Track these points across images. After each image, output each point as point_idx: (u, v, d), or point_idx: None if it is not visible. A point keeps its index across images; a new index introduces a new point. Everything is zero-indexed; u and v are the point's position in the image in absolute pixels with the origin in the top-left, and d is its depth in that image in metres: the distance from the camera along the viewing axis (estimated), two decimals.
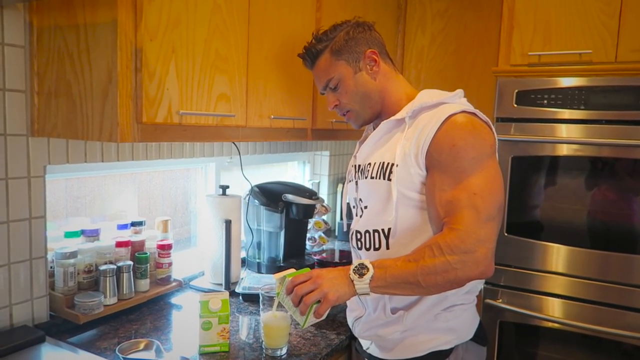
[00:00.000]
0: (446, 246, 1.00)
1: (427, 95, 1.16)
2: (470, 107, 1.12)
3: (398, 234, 1.12)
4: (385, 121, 1.18)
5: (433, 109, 1.11)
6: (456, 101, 1.14)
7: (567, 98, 1.80)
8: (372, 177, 1.17)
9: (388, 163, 1.13)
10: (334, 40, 1.23)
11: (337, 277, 1.04)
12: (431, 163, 1.08)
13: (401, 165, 1.10)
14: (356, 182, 1.24)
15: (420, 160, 1.09)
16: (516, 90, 1.88)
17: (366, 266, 1.03)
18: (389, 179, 1.12)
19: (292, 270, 1.15)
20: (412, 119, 1.13)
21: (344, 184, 1.45)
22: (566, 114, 1.81)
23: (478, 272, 1.02)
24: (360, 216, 1.22)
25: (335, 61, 1.22)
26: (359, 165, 1.24)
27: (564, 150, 1.83)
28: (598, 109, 1.76)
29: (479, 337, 1.19)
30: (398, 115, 1.16)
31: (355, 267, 1.04)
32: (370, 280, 1.02)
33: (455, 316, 1.13)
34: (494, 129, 1.13)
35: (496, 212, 1.05)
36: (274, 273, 1.83)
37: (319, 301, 1.02)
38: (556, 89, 1.82)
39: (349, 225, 1.34)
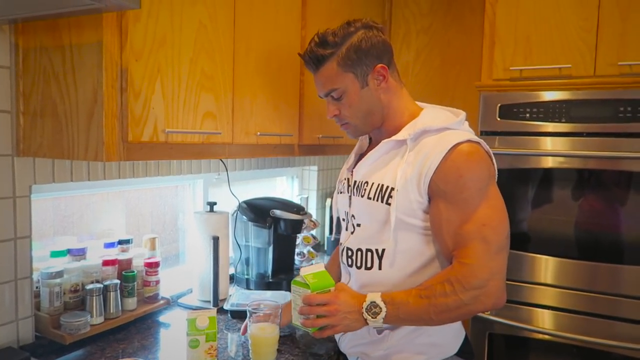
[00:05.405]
0: (458, 283, 1.01)
1: (430, 117, 1.14)
2: (474, 136, 1.10)
3: (394, 258, 1.13)
4: (385, 140, 1.14)
5: (437, 134, 1.09)
6: (460, 128, 1.13)
7: (549, 111, 1.84)
8: (369, 198, 1.15)
9: (387, 186, 1.11)
10: (341, 49, 1.13)
11: (351, 313, 1.06)
12: (435, 192, 1.06)
13: (401, 191, 1.08)
14: (350, 196, 1.23)
15: (422, 188, 1.07)
16: (499, 104, 1.91)
17: (378, 305, 1.05)
18: (388, 203, 1.10)
19: (322, 269, 1.15)
20: (414, 142, 1.10)
21: (332, 196, 1.43)
22: (549, 127, 1.84)
23: (490, 305, 1.03)
24: (352, 232, 1.21)
25: (342, 72, 1.14)
26: (355, 182, 1.21)
27: (548, 162, 1.86)
28: (579, 122, 1.79)
29: (464, 352, 1.19)
30: (399, 136, 1.12)
31: (368, 305, 1.06)
32: (383, 320, 1.05)
33: (438, 331, 1.14)
34: (494, 159, 1.12)
35: (506, 241, 1.06)
36: (262, 290, 1.85)
37: None
38: (538, 102, 1.86)
39: (337, 239, 1.34)
